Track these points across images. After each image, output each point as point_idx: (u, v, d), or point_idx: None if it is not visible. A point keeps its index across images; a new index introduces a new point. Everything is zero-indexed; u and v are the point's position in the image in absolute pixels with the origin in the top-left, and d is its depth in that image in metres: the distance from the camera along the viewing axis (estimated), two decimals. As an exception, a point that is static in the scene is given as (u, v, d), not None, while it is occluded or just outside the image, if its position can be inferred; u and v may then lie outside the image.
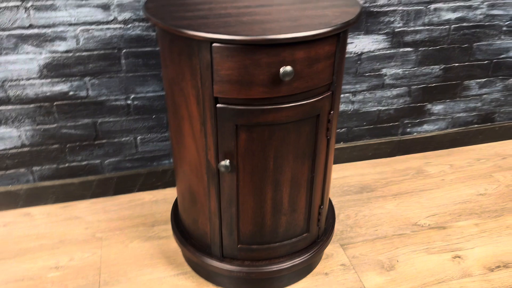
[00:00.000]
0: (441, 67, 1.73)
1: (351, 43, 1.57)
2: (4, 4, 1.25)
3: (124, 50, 1.39)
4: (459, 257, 1.39)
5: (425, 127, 1.87)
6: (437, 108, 1.83)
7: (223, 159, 1.04)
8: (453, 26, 1.64)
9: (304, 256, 1.23)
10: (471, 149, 1.94)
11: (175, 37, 0.95)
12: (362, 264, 1.36)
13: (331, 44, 0.95)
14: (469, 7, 1.61)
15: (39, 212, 1.56)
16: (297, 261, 1.22)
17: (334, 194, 1.66)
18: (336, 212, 1.57)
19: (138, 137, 1.56)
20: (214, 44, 0.90)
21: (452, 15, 1.62)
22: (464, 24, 1.65)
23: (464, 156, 1.89)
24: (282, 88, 0.94)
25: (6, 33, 1.28)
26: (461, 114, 1.88)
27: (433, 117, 1.85)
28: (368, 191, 1.67)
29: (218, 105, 0.97)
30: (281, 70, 0.90)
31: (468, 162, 1.85)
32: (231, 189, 1.08)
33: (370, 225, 1.51)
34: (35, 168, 1.53)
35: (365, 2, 1.50)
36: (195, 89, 0.98)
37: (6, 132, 1.44)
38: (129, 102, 1.48)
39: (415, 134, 1.87)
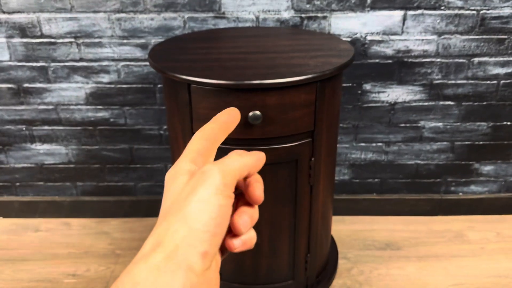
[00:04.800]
0: (489, 125, 1.59)
1: (383, 92, 1.53)
2: (60, 40, 1.46)
3: (159, 85, 1.53)
4: (474, 337, 1.24)
5: (473, 188, 1.71)
6: (487, 168, 1.67)
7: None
8: (502, 81, 1.51)
9: (288, 304, 1.20)
10: (530, 218, 1.72)
11: (165, 78, 1.04)
12: (360, 324, 1.28)
13: (308, 93, 0.96)
14: (522, 62, 1.48)
15: (77, 223, 1.73)
16: (280, 307, 1.19)
17: (354, 246, 1.59)
18: (350, 265, 1.50)
19: (168, 165, 1.67)
20: (192, 85, 0.96)
21: (501, 70, 1.50)
22: (517, 80, 1.51)
23: (518, 226, 1.68)
24: (254, 131, 0.97)
25: (61, 64, 1.50)
26: (517, 178, 1.69)
27: (481, 178, 1.69)
28: (393, 249, 1.57)
29: (198, 142, 1.03)
30: (250, 114, 0.94)
31: (520, 232, 1.64)
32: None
33: (381, 285, 1.42)
34: (78, 183, 1.71)
35: (397, 52, 1.47)
36: (181, 124, 1.05)
37: (57, 149, 1.64)
38: (161, 132, 1.61)
39: (460, 194, 1.72)
